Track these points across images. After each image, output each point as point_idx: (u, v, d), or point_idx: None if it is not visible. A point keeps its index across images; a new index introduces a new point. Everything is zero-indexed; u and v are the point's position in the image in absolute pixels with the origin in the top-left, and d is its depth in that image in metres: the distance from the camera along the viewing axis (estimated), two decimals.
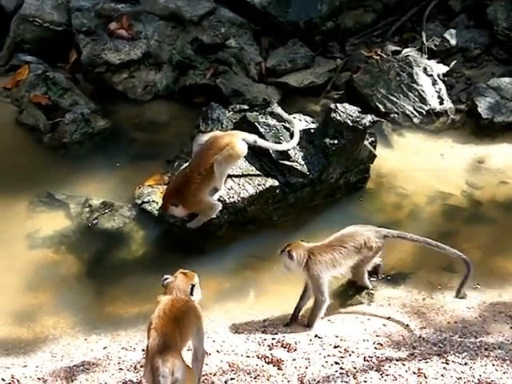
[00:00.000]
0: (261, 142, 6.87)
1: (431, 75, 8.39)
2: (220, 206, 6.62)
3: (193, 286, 4.86)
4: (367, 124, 7.06)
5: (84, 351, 5.68)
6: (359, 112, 7.11)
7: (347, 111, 7.09)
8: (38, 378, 5.22)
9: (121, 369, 5.34)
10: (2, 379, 5.17)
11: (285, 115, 7.19)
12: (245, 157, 6.93)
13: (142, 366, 5.29)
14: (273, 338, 5.57)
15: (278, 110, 7.26)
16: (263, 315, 6.06)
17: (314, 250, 5.82)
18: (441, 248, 5.99)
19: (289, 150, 6.95)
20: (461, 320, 5.81)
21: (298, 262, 5.75)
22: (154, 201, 7.07)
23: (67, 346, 5.79)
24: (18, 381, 5.18)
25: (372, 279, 6.30)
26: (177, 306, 4.69)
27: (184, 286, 4.83)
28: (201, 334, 4.81)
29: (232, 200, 6.71)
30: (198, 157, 6.63)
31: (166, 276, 4.93)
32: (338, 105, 7.14)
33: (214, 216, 6.61)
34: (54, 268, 6.59)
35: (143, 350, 5.45)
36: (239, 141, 6.66)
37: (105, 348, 5.70)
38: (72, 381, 5.18)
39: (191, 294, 4.82)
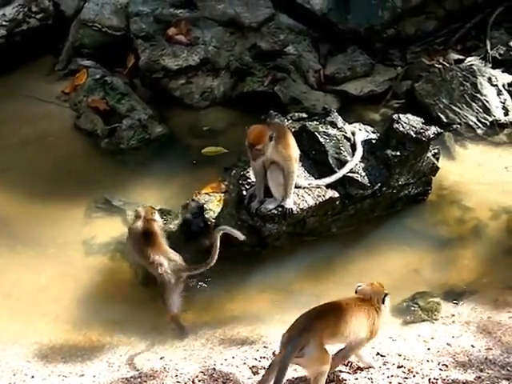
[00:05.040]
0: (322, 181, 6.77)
1: (496, 85, 8.17)
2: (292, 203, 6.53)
3: (386, 294, 5.15)
4: (431, 136, 6.87)
5: (141, 361, 5.63)
6: (423, 123, 6.94)
7: (410, 122, 6.92)
8: None
9: (178, 382, 5.27)
10: None
11: (347, 127, 7.05)
12: (304, 167, 6.83)
13: (200, 381, 5.22)
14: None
15: (339, 119, 7.12)
16: None
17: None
18: None
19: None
20: None
21: None
22: (210, 209, 6.99)
23: (124, 355, 5.74)
24: None
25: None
26: (358, 304, 5.01)
27: (378, 292, 5.13)
28: (360, 339, 5.02)
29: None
30: None
31: (359, 284, 5.21)
32: (401, 115, 6.97)
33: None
34: (109, 275, 6.56)
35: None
36: None
37: (161, 358, 5.64)
38: None
39: (383, 302, 5.13)
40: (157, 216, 6.52)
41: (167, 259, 6.10)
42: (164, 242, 6.30)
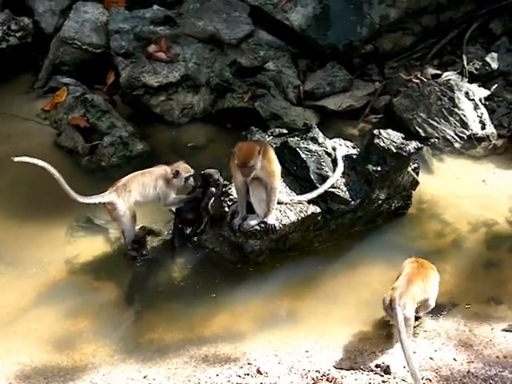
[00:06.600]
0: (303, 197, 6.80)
1: (473, 99, 8.28)
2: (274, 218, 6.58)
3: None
4: (411, 151, 6.95)
5: (124, 381, 5.60)
6: (403, 138, 7.01)
7: (391, 137, 6.99)
8: None
9: None
10: None
11: (328, 143, 7.11)
12: (285, 183, 6.87)
13: None
14: (317, 371, 5.47)
15: (320, 135, 7.17)
16: (305, 345, 5.95)
17: None
18: None
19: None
20: (511, 354, 5.64)
21: None
22: None
23: (107, 375, 5.71)
24: None
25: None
26: (424, 266, 5.91)
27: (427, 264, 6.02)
28: (434, 292, 5.91)
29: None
30: None
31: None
32: (382, 131, 7.04)
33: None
34: (92, 294, 6.54)
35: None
36: None
37: (145, 377, 5.62)
38: None
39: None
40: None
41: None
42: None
